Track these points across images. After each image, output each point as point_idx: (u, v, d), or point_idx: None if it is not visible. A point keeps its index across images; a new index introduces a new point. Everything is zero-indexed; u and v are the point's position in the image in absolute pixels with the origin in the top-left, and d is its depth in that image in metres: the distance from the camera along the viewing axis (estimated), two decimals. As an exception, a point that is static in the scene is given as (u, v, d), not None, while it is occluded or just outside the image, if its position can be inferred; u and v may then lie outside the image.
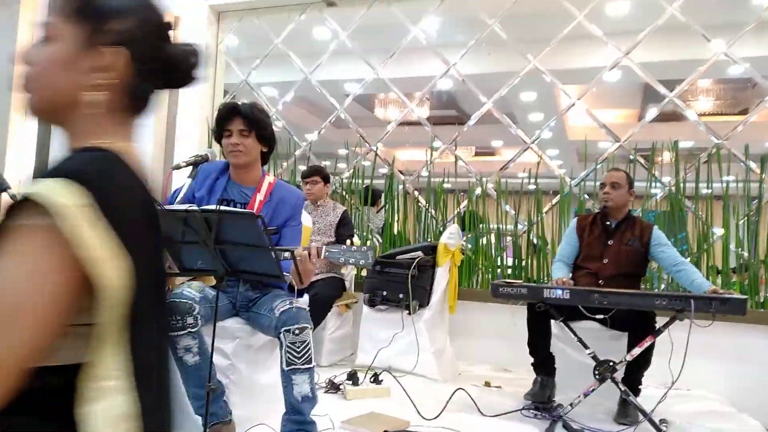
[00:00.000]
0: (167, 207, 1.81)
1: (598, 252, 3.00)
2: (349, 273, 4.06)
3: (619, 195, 2.97)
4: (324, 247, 2.02)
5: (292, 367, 2.05)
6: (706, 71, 3.94)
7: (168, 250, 1.92)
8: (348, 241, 2.03)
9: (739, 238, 3.69)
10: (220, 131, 2.32)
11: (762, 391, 3.36)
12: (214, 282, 2.24)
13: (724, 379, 3.42)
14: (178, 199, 2.06)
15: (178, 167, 2.17)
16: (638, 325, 2.67)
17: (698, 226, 3.79)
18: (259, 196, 2.34)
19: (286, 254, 1.99)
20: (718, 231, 3.76)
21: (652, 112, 4.13)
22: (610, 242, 2.99)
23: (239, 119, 2.27)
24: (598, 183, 4.02)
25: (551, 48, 4.25)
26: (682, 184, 3.85)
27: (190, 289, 2.11)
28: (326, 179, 4.06)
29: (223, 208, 1.74)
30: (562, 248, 3.17)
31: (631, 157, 4.00)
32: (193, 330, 2.04)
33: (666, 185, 3.91)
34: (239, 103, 2.32)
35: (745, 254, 3.66)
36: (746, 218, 3.70)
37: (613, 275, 2.92)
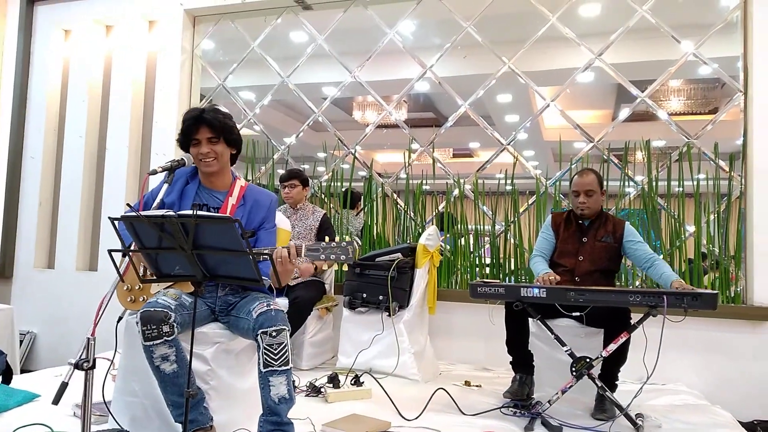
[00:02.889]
0: (144, 213, 1.80)
1: (573, 249, 3.04)
2: (328, 276, 4.06)
3: (594, 201, 3.02)
4: (303, 245, 2.03)
5: (270, 368, 2.04)
6: (677, 71, 4.04)
7: (145, 256, 1.91)
8: (327, 238, 2.04)
9: (710, 234, 3.78)
10: (187, 141, 2.31)
11: (734, 383, 3.45)
12: (191, 288, 2.23)
13: (698, 373, 3.51)
14: (154, 204, 2.05)
15: (154, 172, 2.16)
16: (613, 322, 2.72)
17: (670, 223, 3.87)
18: (232, 200, 2.34)
19: (265, 256, 1.99)
20: (690, 228, 3.85)
21: (625, 112, 4.20)
22: (584, 239, 3.04)
23: (205, 128, 2.26)
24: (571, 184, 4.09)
25: (525, 50, 4.31)
26: (654, 183, 3.94)
27: (165, 297, 2.10)
28: (305, 182, 4.05)
29: (200, 212, 1.73)
30: (539, 243, 3.21)
31: (605, 156, 4.08)
32: (169, 338, 2.02)
33: (639, 184, 3.99)
34: (202, 109, 2.30)
35: (716, 250, 3.75)
36: (716, 215, 3.79)
37: (589, 272, 2.97)
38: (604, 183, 3.11)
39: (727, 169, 3.81)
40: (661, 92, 4.22)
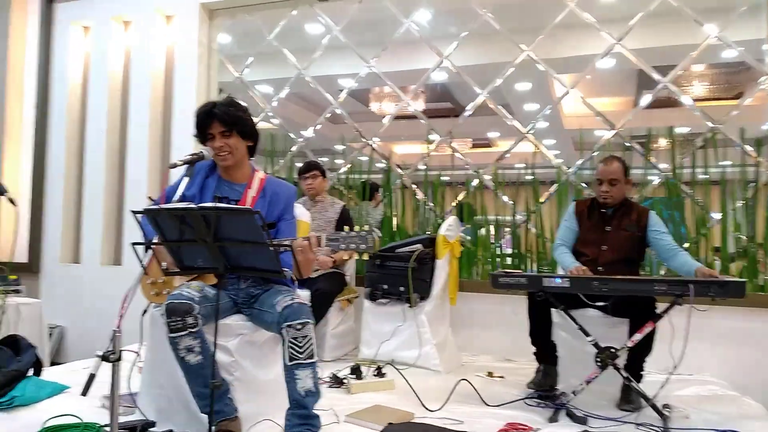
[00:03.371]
0: (165, 206, 1.81)
1: (597, 238, 2.99)
2: (349, 267, 4.07)
3: (617, 190, 2.95)
4: (323, 236, 2.03)
5: (295, 362, 2.05)
6: (700, 56, 3.94)
7: (167, 249, 1.93)
8: (346, 227, 2.04)
9: (737, 222, 3.70)
10: (202, 136, 2.32)
11: (762, 373, 3.38)
12: (214, 281, 2.25)
13: (725, 363, 3.44)
14: (175, 197, 2.06)
15: (174, 166, 2.17)
16: (638, 312, 2.67)
17: (696, 211, 3.80)
18: (251, 192, 2.34)
19: (286, 247, 1.99)
20: (716, 216, 3.77)
21: (647, 98, 4.13)
22: (608, 228, 2.99)
23: (217, 122, 2.27)
24: (594, 171, 4.03)
25: (544, 37, 4.25)
26: (678, 170, 3.86)
27: (189, 289, 2.11)
28: (324, 173, 4.07)
29: (221, 205, 1.74)
30: (562, 232, 3.15)
31: (627, 144, 4.01)
32: (193, 330, 2.04)
33: (663, 171, 3.92)
34: (213, 103, 2.30)
35: (744, 238, 3.68)
36: (744, 202, 3.71)
37: (612, 261, 2.92)
38: (630, 171, 3.04)
39: (755, 155, 3.72)
40: (683, 77, 4.16)
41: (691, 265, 2.75)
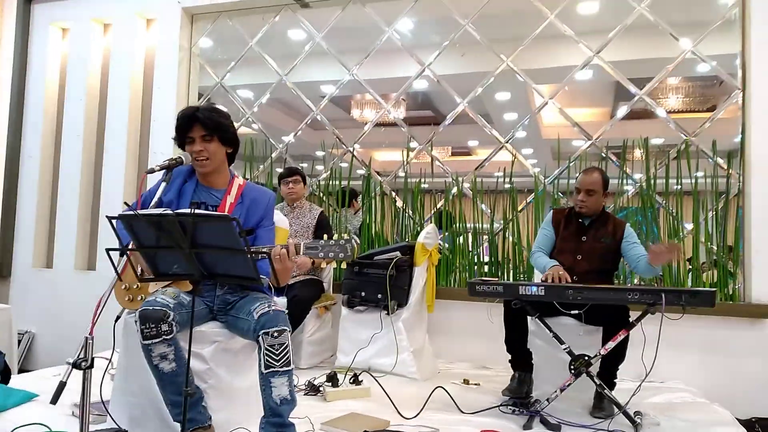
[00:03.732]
0: (141, 211, 1.79)
1: (573, 248, 3.04)
2: (327, 274, 4.06)
3: (594, 201, 3.00)
4: (302, 243, 2.03)
5: (271, 369, 2.04)
6: (675, 69, 4.04)
7: (143, 255, 1.91)
8: (325, 236, 2.04)
9: (708, 232, 3.78)
10: (182, 139, 2.31)
11: (732, 381, 3.46)
12: (189, 287, 2.23)
13: (696, 371, 3.51)
14: (151, 203, 2.04)
15: (152, 171, 2.15)
16: (612, 320, 2.71)
17: (669, 221, 3.87)
18: (230, 198, 2.33)
19: (263, 254, 1.98)
20: (689, 226, 3.85)
21: (623, 110, 4.20)
22: (584, 239, 3.03)
23: (199, 126, 2.26)
24: (572, 181, 4.09)
25: (524, 47, 4.31)
26: (652, 181, 3.94)
27: (164, 296, 2.09)
28: (305, 179, 4.07)
29: (198, 211, 1.73)
30: (539, 239, 3.19)
31: (603, 154, 4.08)
32: (168, 337, 2.02)
33: (637, 182, 3.99)
34: (196, 107, 2.30)
35: (714, 248, 3.76)
36: (715, 212, 3.79)
37: (587, 271, 2.97)
38: (609, 183, 3.08)
39: (726, 166, 3.81)
40: (659, 90, 4.22)
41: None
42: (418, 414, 2.66)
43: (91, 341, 1.67)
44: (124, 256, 1.94)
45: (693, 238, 3.80)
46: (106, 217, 1.81)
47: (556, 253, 3.10)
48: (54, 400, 1.59)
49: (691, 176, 3.87)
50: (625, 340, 2.68)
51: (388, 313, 3.53)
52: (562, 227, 3.11)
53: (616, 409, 2.59)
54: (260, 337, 2.05)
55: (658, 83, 4.09)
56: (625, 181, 4.04)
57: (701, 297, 2.46)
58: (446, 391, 2.94)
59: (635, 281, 3.89)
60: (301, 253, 2.04)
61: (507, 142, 4.35)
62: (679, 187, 3.89)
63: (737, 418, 2.87)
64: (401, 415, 2.63)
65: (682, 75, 4.25)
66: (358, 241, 4.51)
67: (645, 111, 4.21)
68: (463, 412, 2.74)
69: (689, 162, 3.88)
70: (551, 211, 3.26)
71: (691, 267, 3.83)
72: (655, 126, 4.36)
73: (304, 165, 4.79)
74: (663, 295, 2.45)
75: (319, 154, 4.91)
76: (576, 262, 3.00)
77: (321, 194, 4.71)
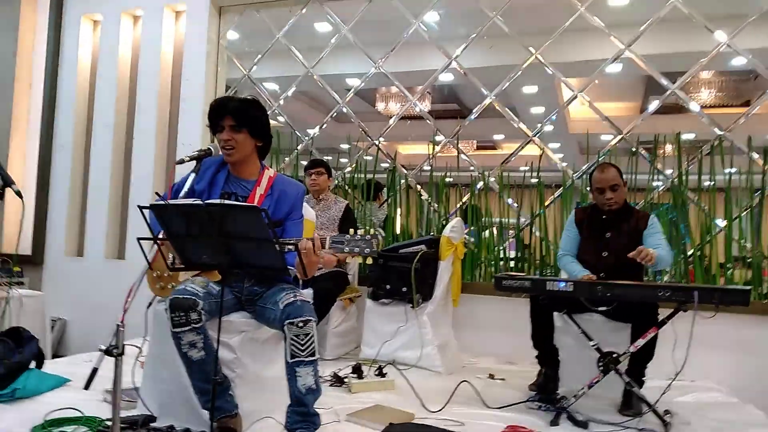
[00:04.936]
0: (172, 201, 1.81)
1: (597, 245, 3.00)
2: (352, 267, 4.07)
3: (619, 195, 2.95)
4: (328, 237, 2.03)
5: (297, 359, 2.05)
6: (709, 63, 3.93)
7: (173, 244, 1.93)
8: (351, 230, 2.04)
9: (742, 229, 3.69)
10: (213, 126, 2.33)
11: (765, 381, 3.37)
12: (218, 277, 2.26)
13: (728, 370, 3.43)
14: (182, 193, 2.07)
15: (181, 162, 2.17)
16: (641, 317, 2.67)
17: (701, 218, 3.79)
18: (260, 190, 2.34)
19: (290, 246, 1.99)
20: (721, 223, 3.76)
21: (654, 104, 4.12)
22: (608, 235, 2.99)
23: (228, 116, 2.28)
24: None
25: (553, 40, 4.24)
26: (684, 177, 3.85)
27: (193, 285, 2.12)
28: (329, 172, 4.07)
29: (227, 202, 1.74)
30: (564, 241, 3.16)
31: (634, 149, 4.00)
32: (197, 325, 2.05)
33: (668, 178, 3.91)
34: (231, 98, 2.32)
35: (748, 245, 3.66)
36: (749, 210, 3.69)
37: (614, 267, 2.92)
38: (623, 173, 3.02)
39: (761, 162, 3.71)
40: (692, 84, 4.14)
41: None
42: (443, 408, 2.65)
43: (122, 329, 1.69)
44: (156, 245, 1.97)
45: (725, 236, 3.71)
46: (138, 206, 1.84)
47: (582, 252, 3.06)
48: (87, 386, 1.62)
49: (724, 173, 3.77)
50: (655, 338, 2.63)
51: (413, 306, 3.53)
52: (585, 225, 3.08)
53: (645, 408, 2.55)
54: (286, 327, 2.06)
55: (691, 77, 3.99)
56: (655, 177, 3.95)
57: (734, 295, 2.41)
58: (471, 385, 2.93)
59: (665, 278, 3.82)
60: (327, 247, 2.04)
61: (535, 136, 4.29)
62: (712, 183, 3.79)
63: (771, 420, 2.80)
64: (426, 409, 2.63)
65: (715, 69, 4.16)
66: (383, 235, 4.51)
67: (677, 105, 4.12)
68: (488, 407, 2.72)
69: (723, 157, 3.78)
70: (573, 211, 3.22)
71: (723, 265, 3.74)
72: (687, 121, 4.28)
73: (329, 158, 4.80)
74: (695, 293, 2.39)
75: (344, 147, 4.92)
76: (602, 259, 2.96)
77: (346, 187, 4.71)
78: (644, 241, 2.92)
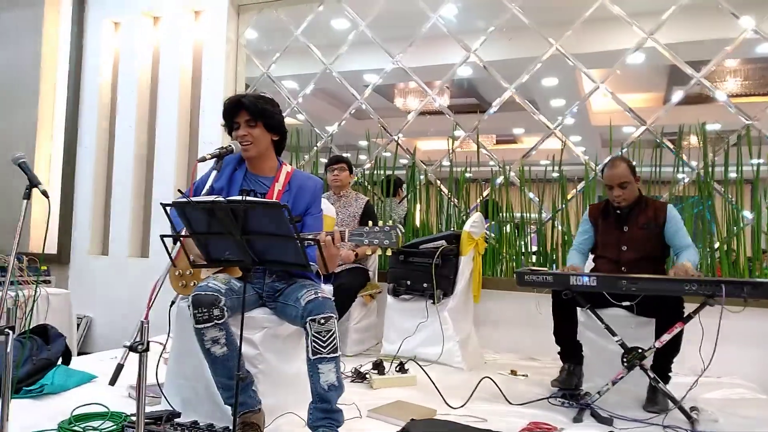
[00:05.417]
0: (194, 198, 1.82)
1: (615, 239, 2.96)
2: (372, 263, 4.07)
3: (629, 192, 2.91)
4: (347, 230, 2.03)
5: (318, 356, 2.05)
6: (734, 50, 3.84)
7: (196, 241, 1.95)
8: (370, 222, 2.03)
9: (771, 221, 3.60)
10: (229, 125, 2.35)
11: (796, 377, 3.29)
12: (239, 274, 2.27)
13: (756, 366, 3.36)
14: (204, 190, 2.08)
15: (203, 159, 2.18)
16: (666, 311, 2.62)
17: (728, 210, 3.70)
18: (278, 186, 2.35)
19: (310, 241, 1.99)
20: (749, 215, 3.67)
21: (678, 94, 4.04)
22: (625, 228, 2.95)
23: (243, 111, 2.30)
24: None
25: (573, 31, 4.18)
26: (710, 168, 3.77)
27: (215, 282, 2.13)
28: (351, 168, 4.08)
29: (249, 198, 1.75)
30: (577, 238, 3.16)
31: (658, 140, 3.93)
32: (219, 321, 2.06)
33: (694, 169, 3.83)
34: (243, 94, 2.34)
35: (777, 238, 3.58)
36: (778, 201, 3.61)
37: (635, 260, 2.88)
38: (635, 169, 2.97)
39: (790, 152, 3.61)
40: (717, 73, 4.05)
41: (681, 260, 2.72)
42: (465, 404, 2.64)
43: (146, 325, 1.71)
44: (178, 243, 1.98)
45: (754, 228, 3.62)
46: (161, 204, 1.85)
47: (600, 248, 3.03)
48: (112, 382, 1.64)
49: (751, 164, 3.68)
50: (680, 333, 2.59)
51: (433, 302, 3.52)
52: (600, 221, 3.04)
53: (670, 404, 2.50)
54: (307, 324, 2.07)
55: (716, 66, 3.90)
56: (681, 168, 3.88)
57: (764, 289, 2.34)
58: (494, 381, 2.91)
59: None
60: (346, 240, 2.04)
61: (556, 129, 4.24)
62: (739, 175, 3.71)
63: (801, 416, 2.73)
64: (448, 405, 2.62)
65: (741, 56, 4.06)
66: (403, 230, 4.50)
67: (701, 95, 4.04)
68: (511, 403, 2.70)
69: (750, 148, 3.69)
70: (587, 208, 3.18)
71: (751, 258, 3.65)
72: (712, 111, 4.18)
73: (348, 155, 4.80)
74: (723, 287, 2.34)
75: (363, 143, 4.91)
76: (622, 253, 2.92)
77: (366, 184, 4.71)
78: (669, 240, 2.88)
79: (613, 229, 2.98)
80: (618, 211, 2.98)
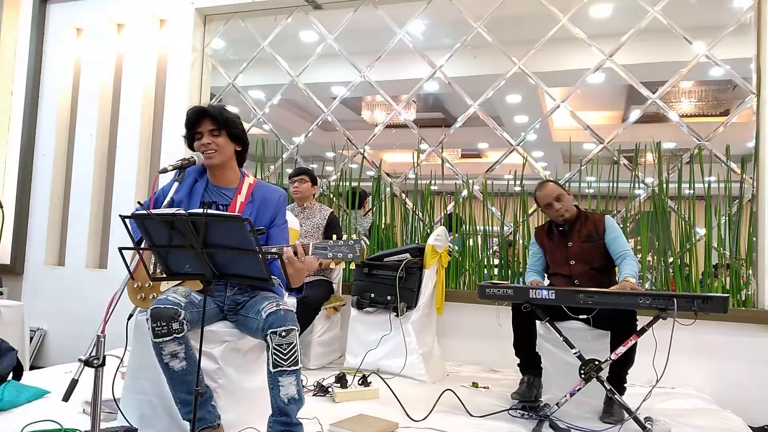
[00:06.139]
0: (154, 210, 1.80)
1: (563, 256, 3.08)
2: (337, 275, 4.06)
3: (567, 202, 3.06)
4: (311, 244, 2.03)
5: (279, 368, 2.04)
6: (688, 73, 4.01)
7: (155, 254, 1.92)
8: (334, 236, 2.04)
9: (721, 237, 3.75)
10: (191, 135, 2.33)
11: (744, 388, 3.42)
12: (200, 287, 2.24)
13: (707, 377, 3.48)
14: (165, 202, 2.06)
15: (165, 171, 2.16)
16: (620, 324, 2.70)
17: (681, 226, 3.84)
18: (240, 197, 2.34)
19: (274, 255, 1.99)
20: (701, 231, 3.82)
21: (635, 113, 4.18)
22: (570, 243, 3.07)
23: (208, 120, 2.29)
24: (583, 184, 4.08)
25: (536, 50, 4.30)
26: (665, 185, 3.91)
27: (175, 295, 2.10)
28: (314, 180, 4.07)
29: (211, 211, 1.74)
30: (529, 260, 3.29)
31: (615, 158, 4.06)
32: (179, 335, 2.03)
33: (649, 186, 3.97)
34: (205, 105, 2.34)
35: (727, 253, 3.72)
36: (728, 218, 3.76)
37: (584, 272, 3.00)
38: (562, 184, 3.10)
39: (739, 171, 3.78)
40: (672, 94, 4.20)
41: (622, 275, 2.82)
42: (426, 416, 2.65)
43: (102, 339, 1.68)
44: (137, 255, 1.95)
45: (705, 243, 3.77)
46: (120, 216, 1.82)
47: (552, 266, 3.15)
48: (66, 398, 1.60)
49: (703, 181, 3.84)
50: (634, 345, 2.66)
51: (397, 315, 3.53)
52: (546, 241, 3.17)
53: (626, 414, 2.57)
54: (268, 336, 2.05)
55: (671, 87, 4.06)
56: (636, 185, 4.01)
57: (714, 303, 2.44)
58: (455, 394, 2.93)
59: (645, 285, 3.87)
60: (310, 254, 2.04)
61: (518, 145, 4.33)
62: (692, 191, 3.86)
63: (750, 426, 2.83)
64: (410, 418, 2.63)
65: (695, 79, 4.22)
66: (368, 243, 4.52)
67: (657, 115, 4.18)
68: (472, 416, 2.73)
69: (702, 166, 3.85)
70: (533, 232, 3.29)
71: (703, 273, 3.79)
72: (667, 130, 4.33)
73: (314, 166, 4.80)
74: (675, 301, 2.43)
75: (330, 155, 4.92)
76: (571, 267, 3.04)
77: (331, 195, 4.72)
78: (609, 247, 3.01)
79: (559, 246, 3.11)
80: (561, 228, 3.09)
